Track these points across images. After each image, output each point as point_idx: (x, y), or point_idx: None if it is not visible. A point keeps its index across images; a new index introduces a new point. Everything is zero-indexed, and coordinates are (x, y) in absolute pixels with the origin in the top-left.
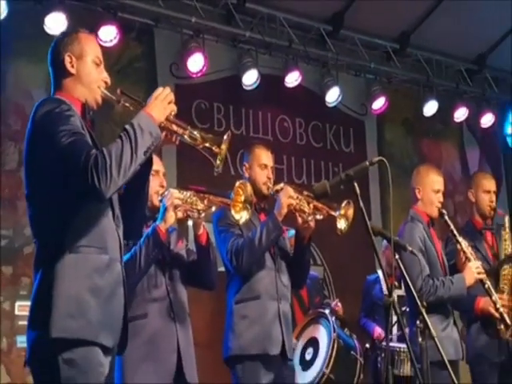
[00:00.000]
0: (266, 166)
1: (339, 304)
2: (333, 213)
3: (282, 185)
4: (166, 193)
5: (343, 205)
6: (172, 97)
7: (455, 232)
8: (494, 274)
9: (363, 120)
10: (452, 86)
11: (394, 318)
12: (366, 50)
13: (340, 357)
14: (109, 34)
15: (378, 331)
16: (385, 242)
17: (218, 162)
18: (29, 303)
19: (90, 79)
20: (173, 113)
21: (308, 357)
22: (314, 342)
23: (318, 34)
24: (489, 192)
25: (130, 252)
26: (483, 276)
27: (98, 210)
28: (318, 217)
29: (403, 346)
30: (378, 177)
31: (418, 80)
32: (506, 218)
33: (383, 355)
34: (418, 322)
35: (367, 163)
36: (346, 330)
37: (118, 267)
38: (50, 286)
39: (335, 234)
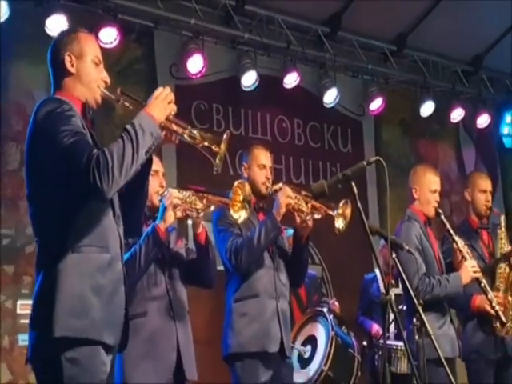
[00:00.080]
0: (264, 166)
1: (336, 303)
2: (331, 212)
3: (280, 185)
4: (165, 192)
5: (341, 204)
6: (172, 96)
7: (451, 231)
8: (489, 272)
9: (361, 120)
10: (448, 86)
11: (392, 316)
12: (363, 51)
13: (338, 354)
14: (109, 35)
15: (376, 329)
16: (382, 240)
17: (218, 161)
18: (30, 302)
19: (89, 79)
20: (173, 112)
21: (306, 354)
22: (312, 340)
23: (315, 35)
24: (485, 192)
25: (129, 251)
26: (479, 275)
27: (99, 210)
28: (316, 216)
29: (400, 343)
30: (376, 177)
31: (414, 81)
32: (502, 217)
33: (380, 353)
34: (414, 320)
35: (365, 163)
36: (343, 327)
37: (119, 266)
38: (53, 285)
39: (333, 233)
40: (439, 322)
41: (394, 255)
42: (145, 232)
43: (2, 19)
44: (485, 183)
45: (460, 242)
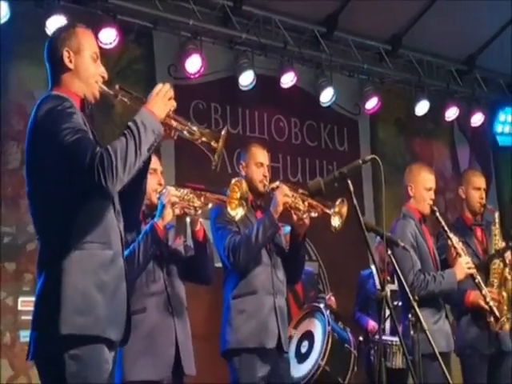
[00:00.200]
0: (262, 164)
1: (332, 298)
2: (327, 210)
3: (277, 183)
4: (163, 190)
5: (337, 203)
6: (172, 93)
7: (446, 228)
8: (483, 268)
9: (357, 119)
10: (443, 86)
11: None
12: (359, 51)
13: (334, 350)
14: (108, 36)
15: (372, 325)
16: (378, 238)
17: (216, 157)
18: (32, 299)
19: (87, 74)
20: (172, 108)
21: (303, 350)
22: (309, 336)
23: (312, 35)
24: (479, 189)
25: (128, 248)
26: (473, 271)
27: (101, 206)
28: (313, 214)
29: (395, 339)
30: (371, 175)
31: (409, 80)
32: (496, 214)
33: (376, 348)
34: (410, 316)
35: (360, 161)
36: (339, 323)
37: (121, 262)
38: (57, 283)
39: (329, 230)
40: (434, 317)
41: (389, 252)
42: (143, 230)
43: (3, 20)
44: (479, 181)
45: (454, 239)
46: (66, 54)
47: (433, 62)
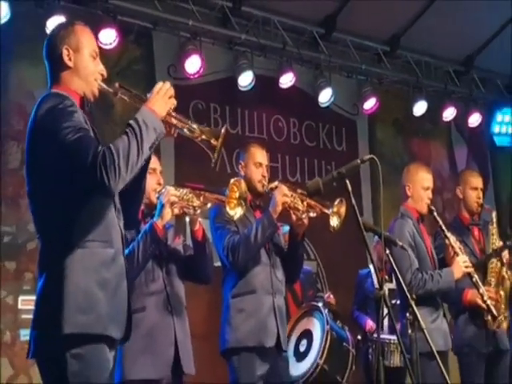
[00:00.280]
0: (261, 164)
1: (331, 296)
2: (326, 210)
3: (276, 183)
4: (162, 190)
5: (336, 203)
6: (172, 91)
7: (444, 227)
8: (481, 267)
9: (355, 120)
10: (440, 86)
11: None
12: (357, 51)
13: (333, 348)
14: (108, 36)
15: (370, 324)
16: (376, 237)
17: (216, 154)
18: (32, 297)
19: (87, 72)
20: (172, 106)
21: (302, 348)
22: (307, 334)
23: (311, 36)
24: (476, 189)
25: (128, 248)
26: (471, 270)
27: (102, 205)
28: (312, 214)
29: (393, 337)
30: (370, 175)
31: (407, 81)
32: (494, 214)
33: (374, 347)
34: (407, 315)
35: (359, 161)
36: (338, 322)
37: (122, 260)
38: (60, 281)
39: (328, 230)
40: (432, 316)
41: (387, 251)
42: (143, 229)
43: (3, 20)
44: (476, 181)
45: (452, 238)
46: (65, 52)
47: (431, 62)
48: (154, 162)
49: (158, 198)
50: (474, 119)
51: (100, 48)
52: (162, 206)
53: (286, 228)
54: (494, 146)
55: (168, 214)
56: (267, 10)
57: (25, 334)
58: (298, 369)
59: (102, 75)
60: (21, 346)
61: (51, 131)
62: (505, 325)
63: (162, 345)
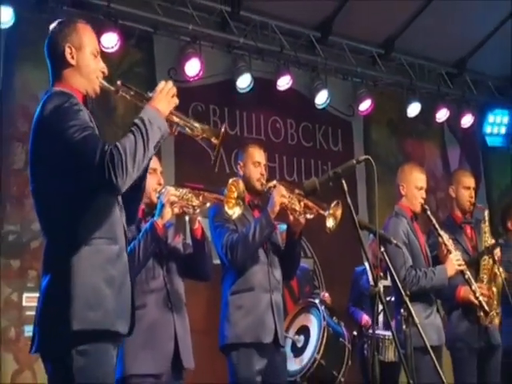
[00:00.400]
0: (259, 163)
1: (326, 295)
2: (322, 212)
3: (274, 182)
4: (163, 190)
5: (332, 205)
6: (174, 90)
7: (437, 226)
8: (473, 264)
9: (350, 121)
10: (434, 88)
11: (380, 307)
12: (352, 55)
13: (330, 344)
14: (110, 40)
15: (365, 319)
16: (371, 235)
17: (215, 152)
18: (36, 295)
19: (89, 70)
20: (174, 105)
21: (299, 344)
22: (305, 330)
23: (307, 40)
24: (468, 188)
25: (129, 246)
26: (463, 267)
27: (107, 203)
28: (309, 216)
29: (388, 333)
30: (365, 174)
31: (401, 83)
32: (486, 212)
33: (369, 342)
34: (402, 311)
35: (354, 162)
36: (334, 318)
37: (125, 256)
38: (67, 279)
39: (324, 229)
40: (426, 311)
41: (382, 249)
42: (143, 228)
43: (8, 25)
44: (468, 180)
45: (445, 236)
46: (67, 50)
47: (424, 65)
48: (155, 163)
49: (158, 197)
50: (467, 120)
51: (102, 52)
52: (163, 205)
53: (284, 227)
54: (486, 146)
55: (168, 213)
56: (265, 15)
57: (29, 330)
58: (295, 364)
59: (104, 73)
60: (25, 341)
61: (57, 130)
62: (496, 320)
63: (162, 340)
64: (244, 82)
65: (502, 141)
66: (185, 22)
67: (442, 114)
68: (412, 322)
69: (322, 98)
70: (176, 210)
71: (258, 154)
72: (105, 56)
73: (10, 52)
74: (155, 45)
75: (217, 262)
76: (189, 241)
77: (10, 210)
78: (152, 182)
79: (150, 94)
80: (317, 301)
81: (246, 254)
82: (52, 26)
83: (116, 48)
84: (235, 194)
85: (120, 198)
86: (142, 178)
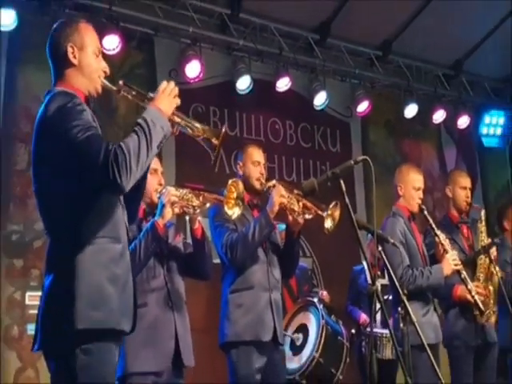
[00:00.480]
0: (258, 162)
1: (324, 293)
2: (320, 213)
3: (274, 181)
4: (163, 190)
5: (331, 206)
6: (176, 90)
7: (434, 226)
8: (470, 263)
9: (348, 122)
10: (431, 90)
11: (378, 306)
12: (350, 56)
13: (328, 342)
14: (112, 42)
15: (363, 318)
16: (369, 235)
17: (216, 153)
18: (39, 293)
19: (90, 69)
20: (176, 106)
21: (298, 342)
22: (303, 329)
23: (306, 42)
24: (465, 188)
25: (130, 246)
26: (460, 266)
27: (110, 202)
28: (307, 216)
29: (386, 331)
30: (363, 175)
31: (399, 84)
32: (482, 212)
33: (367, 340)
34: (399, 309)
35: (352, 162)
36: (332, 316)
37: (128, 255)
38: (71, 278)
39: (323, 229)
40: (423, 310)
41: (380, 248)
42: (144, 228)
43: (11, 28)
44: (465, 180)
45: (442, 236)
46: (70, 50)
47: (421, 67)
48: (156, 163)
49: (159, 197)
50: (463, 121)
51: (103, 53)
52: (163, 205)
53: (282, 226)
54: (482, 147)
55: (169, 213)
56: (264, 17)
57: (32, 329)
58: (294, 362)
59: (105, 72)
60: (28, 339)
61: (60, 130)
62: (493, 319)
63: (163, 339)
64: (243, 83)
65: (497, 141)
66: (185, 24)
67: (439, 115)
68: (409, 320)
69: (320, 100)
70: (176, 210)
71: (257, 154)
72: (106, 58)
73: (13, 54)
74: (156, 47)
75: (217, 261)
76: (189, 240)
77: (14, 210)
78: (153, 183)
79: (152, 95)
80: (315, 299)
81: (246, 253)
82: (54, 26)
83: (117, 50)
84: (235, 195)
85: (122, 198)
86: (142, 178)
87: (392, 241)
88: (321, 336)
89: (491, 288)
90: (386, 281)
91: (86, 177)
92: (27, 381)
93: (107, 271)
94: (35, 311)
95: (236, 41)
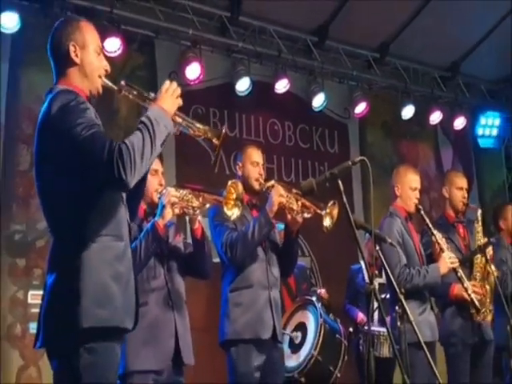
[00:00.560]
0: (257, 163)
1: (323, 290)
2: (319, 211)
3: (272, 182)
4: (164, 191)
5: (329, 204)
6: (179, 91)
7: (430, 225)
8: (466, 263)
9: (346, 123)
10: (427, 91)
11: (376, 304)
12: (348, 59)
13: (326, 340)
14: (113, 45)
15: (361, 316)
16: (367, 234)
17: (216, 153)
18: (41, 292)
19: (92, 67)
20: (178, 106)
21: (297, 340)
22: (302, 327)
23: (304, 44)
24: (461, 189)
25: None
26: (456, 264)
27: (113, 200)
28: (306, 215)
29: (383, 329)
30: (360, 175)
31: (396, 86)
32: (479, 212)
33: (365, 338)
34: (397, 308)
35: (350, 163)
36: (330, 315)
37: (130, 253)
38: (76, 276)
39: (322, 228)
40: (420, 308)
41: (377, 248)
42: (145, 228)
43: (14, 30)
44: (461, 181)
45: (438, 235)
46: (72, 49)
47: (418, 69)
48: (157, 164)
49: (159, 198)
50: (459, 122)
51: (105, 56)
52: (163, 206)
53: (281, 226)
54: (478, 147)
55: (169, 214)
56: (263, 20)
57: (34, 327)
58: (293, 360)
59: (106, 71)
60: (30, 338)
61: (64, 128)
62: (489, 317)
63: (163, 338)
64: (243, 85)
65: (493, 142)
66: (185, 27)
67: (436, 117)
68: (406, 318)
69: (318, 101)
70: (177, 211)
71: (256, 155)
72: (108, 60)
73: (16, 56)
74: (157, 49)
75: (216, 260)
76: (189, 240)
77: (16, 210)
78: (153, 183)
79: (153, 94)
80: (314, 298)
81: (245, 251)
82: (55, 25)
83: (119, 52)
84: (234, 196)
85: (125, 196)
86: (143, 177)
87: (389, 240)
88: (319, 334)
89: (488, 287)
90: (383, 280)
91: (89, 174)
92: (29, 379)
93: (111, 269)
94: (37, 310)
95: (235, 43)
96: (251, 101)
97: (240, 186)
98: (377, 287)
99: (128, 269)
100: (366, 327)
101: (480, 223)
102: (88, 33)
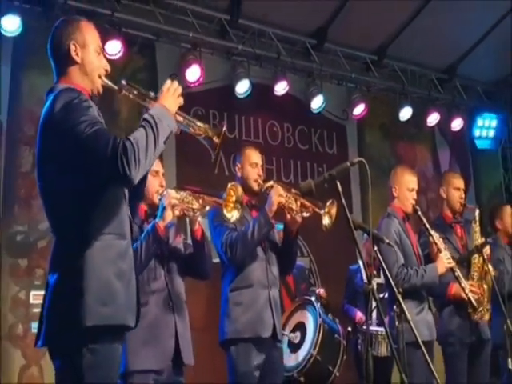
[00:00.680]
0: (256, 164)
1: (322, 290)
2: (318, 210)
3: (271, 182)
4: (164, 193)
5: (328, 204)
6: (180, 90)
7: (428, 226)
8: (464, 262)
9: (345, 125)
10: (425, 93)
11: (374, 304)
12: (347, 61)
13: (325, 340)
14: (114, 48)
15: (360, 316)
16: (365, 235)
17: (216, 151)
18: (43, 292)
19: (92, 67)
20: (179, 105)
21: (296, 340)
22: (301, 327)
23: (303, 47)
24: (458, 189)
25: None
26: (453, 265)
27: (115, 198)
28: (305, 214)
29: (381, 329)
30: (359, 176)
31: (394, 88)
32: (477, 212)
33: (363, 338)
34: (395, 307)
35: (348, 164)
36: (329, 315)
37: (131, 251)
38: (80, 275)
39: (320, 228)
40: (418, 308)
41: (375, 248)
42: (146, 229)
43: (16, 33)
44: (458, 181)
45: (436, 236)
46: (72, 48)
47: (416, 71)
48: (157, 165)
49: (160, 199)
50: (457, 124)
51: (106, 58)
52: (164, 208)
53: (280, 226)
54: (475, 148)
55: (169, 215)
56: (263, 23)
57: (35, 327)
58: (292, 359)
59: (106, 70)
60: (32, 338)
61: (67, 126)
62: (487, 316)
63: (164, 338)
64: (242, 87)
65: (490, 143)
66: (185, 29)
67: (433, 118)
68: (404, 318)
69: (317, 103)
70: (177, 213)
71: (254, 156)
72: (109, 62)
73: (18, 59)
74: (157, 52)
75: (216, 260)
76: (189, 241)
77: (18, 211)
78: (154, 184)
79: (153, 94)
80: (313, 298)
81: (245, 251)
82: (55, 25)
83: (120, 55)
84: (234, 198)
85: (127, 194)
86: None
87: (387, 241)
88: (318, 334)
89: (485, 286)
90: (381, 280)
91: (93, 172)
92: (31, 378)
93: (114, 267)
94: (39, 310)
95: (235, 46)
96: (251, 103)
97: (240, 189)
98: (375, 287)
99: (130, 267)
100: (364, 327)
101: (478, 223)
102: (88, 32)
